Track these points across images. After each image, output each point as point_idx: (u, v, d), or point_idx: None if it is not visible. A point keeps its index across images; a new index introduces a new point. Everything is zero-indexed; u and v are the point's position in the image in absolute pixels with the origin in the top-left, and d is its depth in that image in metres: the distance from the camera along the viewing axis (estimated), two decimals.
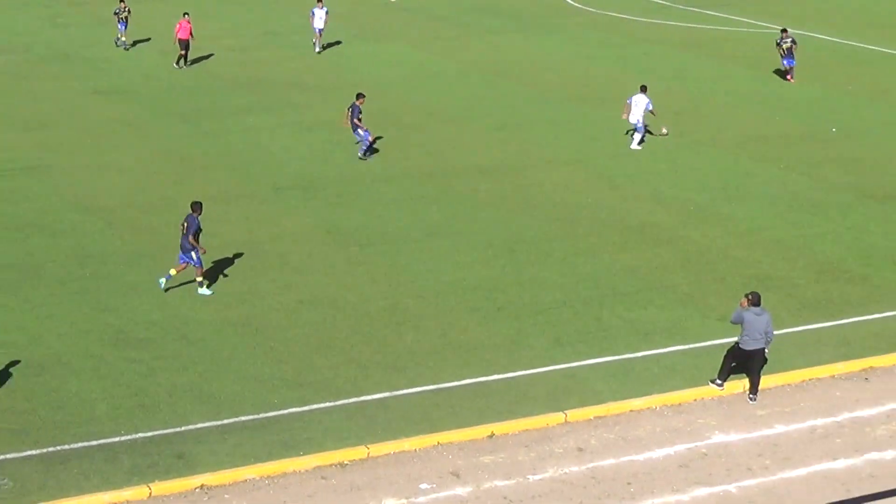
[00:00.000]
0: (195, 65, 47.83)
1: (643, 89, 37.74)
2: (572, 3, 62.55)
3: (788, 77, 46.03)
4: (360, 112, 35.96)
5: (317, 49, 50.95)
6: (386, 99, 43.54)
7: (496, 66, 48.50)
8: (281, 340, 24.98)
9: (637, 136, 37.92)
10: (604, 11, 59.90)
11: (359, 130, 35.74)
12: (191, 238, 26.88)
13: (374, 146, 37.33)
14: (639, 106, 37.41)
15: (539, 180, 34.93)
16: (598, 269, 28.74)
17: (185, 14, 48.47)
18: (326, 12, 50.55)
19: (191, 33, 47.89)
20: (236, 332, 25.33)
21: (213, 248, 29.67)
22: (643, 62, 49.45)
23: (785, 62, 45.90)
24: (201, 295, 27.09)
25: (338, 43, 52.69)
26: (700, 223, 31.75)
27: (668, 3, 61.71)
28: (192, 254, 26.98)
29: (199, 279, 27.30)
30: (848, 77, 47.13)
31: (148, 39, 53.08)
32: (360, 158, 36.25)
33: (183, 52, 47.90)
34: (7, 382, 22.88)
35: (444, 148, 37.88)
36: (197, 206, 27.30)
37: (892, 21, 57.80)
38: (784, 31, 46.20)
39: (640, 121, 37.62)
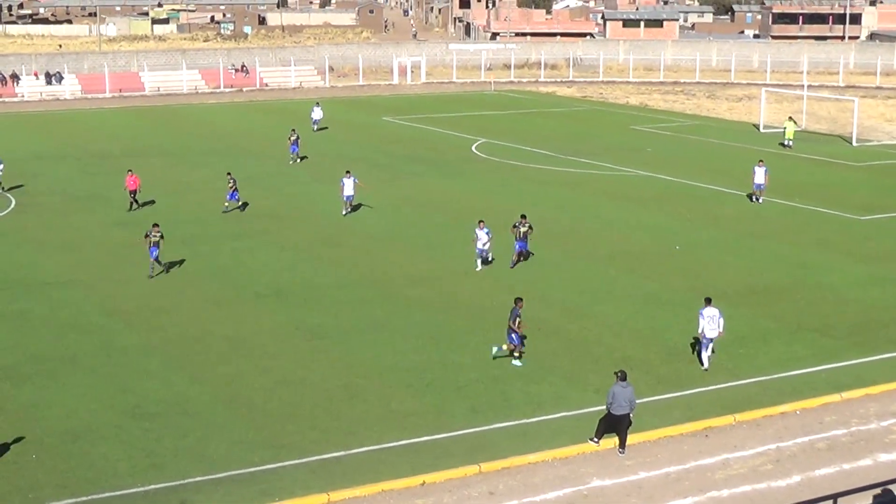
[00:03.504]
0: (190, 200, 46.98)
1: (480, 223, 36.99)
2: (478, 153, 63.12)
3: (520, 259, 37.51)
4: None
5: (344, 212, 45.31)
6: (336, 225, 43.64)
7: (421, 200, 48.74)
8: (261, 412, 24.75)
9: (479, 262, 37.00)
10: (502, 160, 60.47)
11: (512, 335, 28.11)
12: (511, 323, 27.69)
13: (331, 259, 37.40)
14: (481, 237, 36.47)
15: (455, 287, 35.00)
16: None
17: (129, 171, 46.74)
18: (355, 181, 45.53)
19: (137, 185, 46.05)
20: (225, 407, 25.07)
21: (206, 342, 29.47)
22: (532, 197, 49.84)
23: (518, 245, 37.42)
24: (514, 365, 27.52)
25: (303, 184, 52.77)
26: (578, 318, 31.90)
27: (551, 154, 62.40)
28: (513, 335, 27.43)
29: (517, 354, 27.73)
30: (686, 207, 47.73)
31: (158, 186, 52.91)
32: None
33: (132, 199, 46.19)
34: (50, 447, 22.53)
35: (382, 263, 37.88)
36: (519, 301, 28.01)
37: (716, 167, 58.79)
38: (523, 216, 37.71)
39: (486, 248, 36.78)
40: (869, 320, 31.98)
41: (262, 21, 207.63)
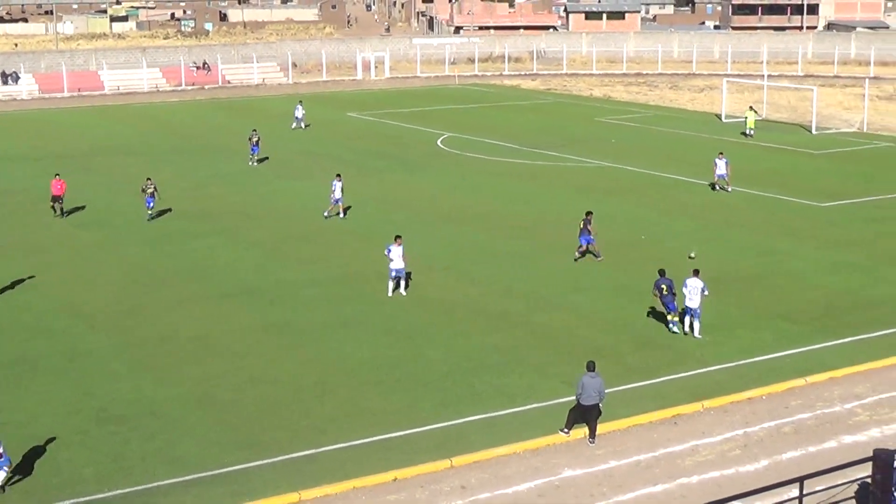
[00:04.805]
0: (159, 200, 46.16)
1: (397, 239, 33.39)
2: (443, 147, 63.11)
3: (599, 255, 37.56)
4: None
5: (326, 214, 43.89)
6: (304, 222, 43.53)
7: (388, 196, 48.67)
8: (231, 412, 24.65)
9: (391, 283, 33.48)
10: (468, 154, 60.50)
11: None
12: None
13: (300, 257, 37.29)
14: (397, 256, 32.94)
15: (422, 282, 34.93)
16: (470, 348, 28.78)
17: (56, 174, 45.59)
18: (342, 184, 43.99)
19: (63, 190, 44.79)
20: (195, 407, 24.94)
21: (173, 342, 29.29)
22: (498, 190, 49.92)
23: (582, 240, 37.43)
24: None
25: (270, 181, 52.58)
26: (546, 310, 31.97)
27: (516, 147, 62.51)
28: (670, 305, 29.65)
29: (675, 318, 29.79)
30: (656, 197, 47.94)
31: (123, 185, 52.55)
32: None
33: (53, 205, 44.85)
34: (13, 453, 22.19)
35: (352, 259, 37.81)
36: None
37: (680, 157, 59.04)
38: (588, 213, 37.86)
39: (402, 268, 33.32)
40: (832, 306, 32.30)
41: (223, 17, 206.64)
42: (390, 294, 33.33)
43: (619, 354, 28.15)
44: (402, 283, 33.71)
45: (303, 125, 71.29)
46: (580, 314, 31.61)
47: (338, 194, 44.07)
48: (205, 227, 43.10)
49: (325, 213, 44.28)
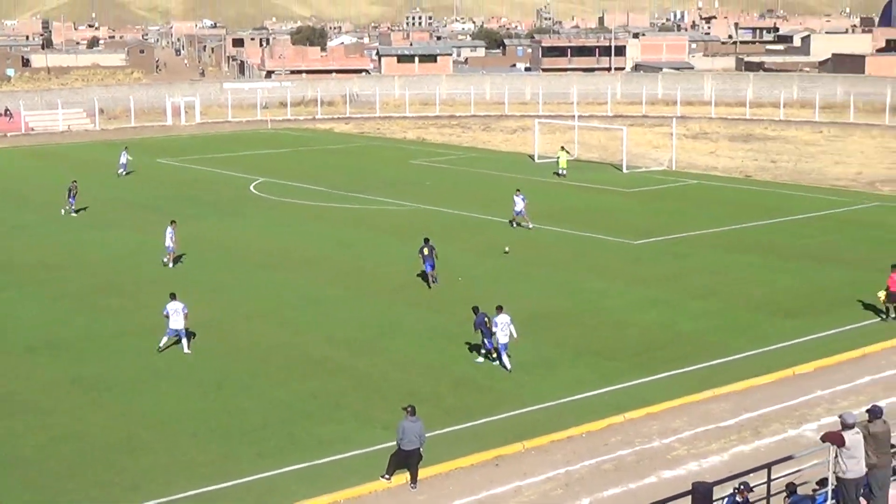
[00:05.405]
0: None
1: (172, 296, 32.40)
2: (256, 192, 62.41)
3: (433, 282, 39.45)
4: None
5: (168, 264, 42.79)
6: (113, 272, 42.27)
7: (199, 243, 47.60)
8: (35, 471, 23.59)
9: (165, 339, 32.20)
10: (282, 198, 59.98)
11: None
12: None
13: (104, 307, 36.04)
14: (178, 314, 31.85)
15: (240, 330, 34.33)
16: (288, 396, 28.35)
17: None
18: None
19: None
20: None
21: None
22: (313, 234, 49.58)
23: (427, 266, 39.27)
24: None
25: (77, 231, 50.89)
26: (365, 355, 31.79)
27: (331, 191, 62.28)
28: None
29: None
30: (469, 238, 48.32)
31: None
32: None
33: None
34: None
35: (161, 309, 36.65)
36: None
37: (493, 197, 59.75)
38: (426, 239, 39.83)
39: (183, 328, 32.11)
40: (647, 341, 33.09)
41: (25, 63, 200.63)
42: (186, 351, 31.95)
43: (438, 397, 28.15)
44: (185, 341, 32.14)
45: (119, 172, 69.29)
46: (399, 358, 31.53)
47: (168, 242, 42.82)
48: (5, 279, 41.34)
49: (164, 260, 43.07)
